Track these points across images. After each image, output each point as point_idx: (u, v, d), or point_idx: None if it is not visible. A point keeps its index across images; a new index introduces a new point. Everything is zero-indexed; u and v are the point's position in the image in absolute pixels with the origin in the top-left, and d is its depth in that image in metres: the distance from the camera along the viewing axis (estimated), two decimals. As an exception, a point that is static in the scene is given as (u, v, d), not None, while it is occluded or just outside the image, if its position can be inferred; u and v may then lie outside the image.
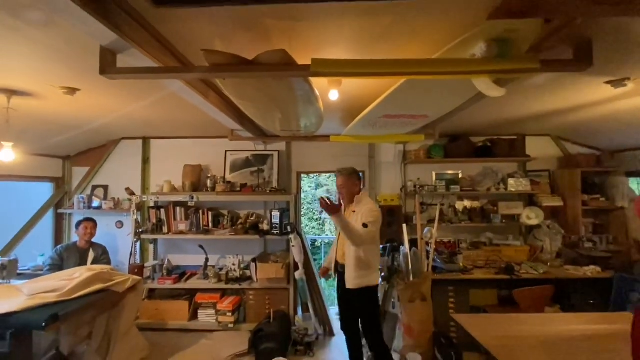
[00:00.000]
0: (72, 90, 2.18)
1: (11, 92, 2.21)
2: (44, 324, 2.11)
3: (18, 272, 3.01)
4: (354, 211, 2.46)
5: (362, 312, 2.50)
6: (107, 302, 2.81)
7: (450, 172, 4.10)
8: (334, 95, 2.06)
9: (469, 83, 1.41)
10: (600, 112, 2.92)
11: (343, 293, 2.54)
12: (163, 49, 1.37)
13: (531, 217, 3.49)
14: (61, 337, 2.77)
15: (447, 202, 4.06)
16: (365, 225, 2.31)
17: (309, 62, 1.31)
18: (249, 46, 1.46)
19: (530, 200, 3.98)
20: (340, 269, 2.56)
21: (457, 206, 4.02)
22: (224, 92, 1.90)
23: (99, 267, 2.81)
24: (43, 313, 2.20)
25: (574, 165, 3.85)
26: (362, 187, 2.61)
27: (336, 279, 2.69)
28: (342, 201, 2.61)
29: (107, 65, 1.38)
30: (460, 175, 4.08)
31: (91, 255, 3.44)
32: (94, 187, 4.16)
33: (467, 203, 4.03)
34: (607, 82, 2.16)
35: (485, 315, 2.67)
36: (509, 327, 2.04)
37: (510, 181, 3.87)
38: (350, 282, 2.41)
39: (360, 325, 2.56)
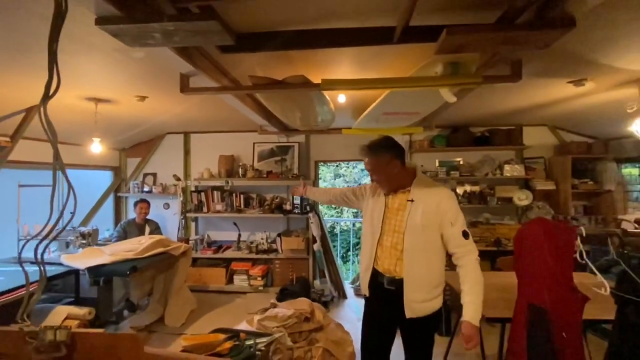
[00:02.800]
0: (143, 98, 2.88)
1: (97, 100, 2.93)
2: (127, 272, 2.86)
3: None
4: (412, 200, 1.57)
5: (422, 344, 1.62)
6: (165, 263, 3.56)
7: (451, 159, 4.57)
8: (342, 98, 2.63)
9: (436, 91, 1.95)
10: (583, 103, 3.31)
11: (390, 325, 1.65)
12: (221, 74, 1.99)
13: (522, 198, 3.93)
14: (130, 290, 3.56)
15: (449, 186, 4.54)
16: (465, 235, 1.50)
17: (320, 81, 1.89)
18: (279, 69, 2.05)
19: (526, 184, 4.40)
20: (387, 285, 1.60)
21: (457, 190, 4.50)
22: (258, 98, 2.51)
23: (158, 236, 3.57)
24: (125, 266, 2.95)
25: (566, 152, 4.23)
26: (404, 160, 1.63)
27: (369, 299, 1.71)
28: (381, 190, 1.69)
29: (185, 86, 2.02)
30: (461, 162, 4.54)
31: (147, 229, 4.22)
32: (145, 175, 4.95)
33: (467, 187, 4.50)
34: (569, 82, 2.60)
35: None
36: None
37: (506, 167, 4.30)
38: (416, 308, 1.54)
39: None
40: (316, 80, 1.94)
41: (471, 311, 1.41)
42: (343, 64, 2.09)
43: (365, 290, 1.69)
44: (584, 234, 1.28)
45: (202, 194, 4.63)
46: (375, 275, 1.63)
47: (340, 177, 10.83)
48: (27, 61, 1.93)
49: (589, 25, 1.61)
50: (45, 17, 1.36)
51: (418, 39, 1.52)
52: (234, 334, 1.78)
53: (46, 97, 0.86)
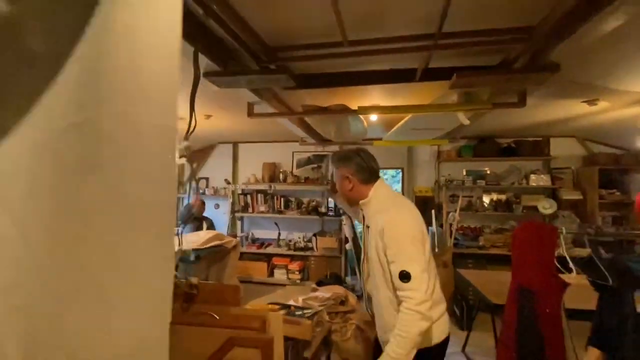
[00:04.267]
0: (208, 116, 3.51)
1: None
2: (193, 259, 3.49)
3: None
4: (368, 227, 1.40)
5: None
6: (219, 255, 4.18)
7: (478, 169, 4.83)
8: (374, 117, 3.08)
9: (454, 114, 2.34)
10: (608, 117, 3.48)
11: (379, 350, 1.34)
12: (279, 103, 2.52)
13: (546, 207, 4.12)
14: (190, 276, 4.21)
15: (475, 195, 4.81)
16: (403, 277, 1.20)
17: (357, 107, 2.36)
18: (323, 98, 2.54)
19: (553, 193, 4.56)
20: (370, 311, 1.56)
21: (484, 198, 4.75)
22: (304, 117, 3.03)
23: (214, 231, 4.20)
24: (190, 254, 3.58)
25: (594, 163, 4.35)
26: (367, 176, 1.40)
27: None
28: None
29: (251, 112, 2.58)
30: (487, 172, 4.79)
31: (205, 225, 4.90)
32: (199, 179, 5.68)
33: (494, 196, 4.74)
34: (583, 102, 2.86)
35: (483, 272, 3.46)
36: (502, 278, 2.87)
37: (532, 177, 4.50)
38: (385, 340, 1.31)
39: None
40: (353, 106, 2.41)
41: (386, 355, 1.18)
42: (375, 93, 2.54)
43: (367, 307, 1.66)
44: (565, 232, 1.62)
45: (248, 196, 5.25)
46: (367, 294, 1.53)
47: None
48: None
49: (591, 59, 1.93)
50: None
51: (435, 78, 1.94)
52: (285, 306, 2.28)
53: (187, 133, 1.41)
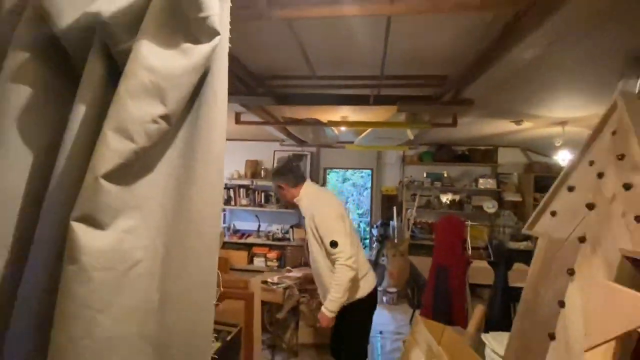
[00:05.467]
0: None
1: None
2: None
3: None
4: (304, 217, 1.91)
5: (349, 330, 1.89)
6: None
7: (437, 172, 5.51)
8: (343, 128, 3.64)
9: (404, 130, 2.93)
10: (537, 133, 4.19)
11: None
12: (264, 112, 3.01)
13: (490, 207, 4.84)
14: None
15: (433, 195, 5.48)
16: (333, 245, 1.71)
17: (327, 121, 2.89)
18: (302, 111, 3.06)
19: (498, 195, 5.30)
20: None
21: (441, 197, 5.44)
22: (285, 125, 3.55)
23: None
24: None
25: (531, 170, 5.11)
26: (295, 181, 1.90)
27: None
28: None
29: (238, 119, 3.06)
30: (445, 175, 5.47)
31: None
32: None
33: (449, 196, 5.43)
34: (511, 121, 3.53)
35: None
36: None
37: (481, 180, 5.22)
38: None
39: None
40: (326, 118, 2.95)
41: (328, 304, 1.70)
42: (344, 108, 3.10)
43: None
44: (470, 224, 2.24)
45: (231, 190, 5.71)
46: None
47: (347, 180, 11.81)
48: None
49: (507, 92, 2.53)
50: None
51: (385, 103, 2.51)
52: (264, 282, 2.81)
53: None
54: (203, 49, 0.77)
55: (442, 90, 2.27)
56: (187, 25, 0.76)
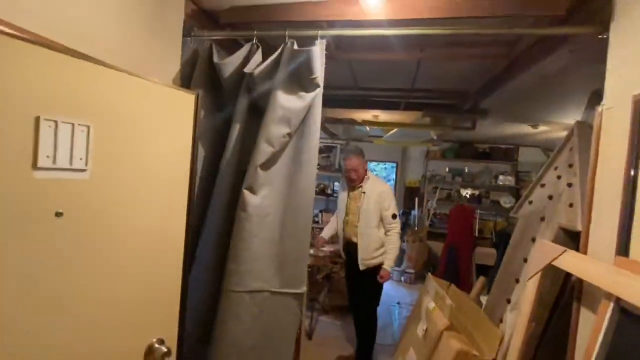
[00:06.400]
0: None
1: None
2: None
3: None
4: (364, 192, 2.33)
5: (373, 290, 2.39)
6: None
7: (458, 167, 5.88)
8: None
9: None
10: (554, 136, 4.49)
11: (355, 274, 2.40)
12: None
13: (506, 201, 5.19)
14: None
15: (454, 188, 5.87)
16: (394, 217, 2.27)
17: (361, 120, 3.40)
18: (338, 111, 3.57)
19: (517, 192, 5.61)
20: (351, 249, 2.39)
21: (461, 191, 5.82)
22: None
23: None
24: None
25: (550, 170, 5.38)
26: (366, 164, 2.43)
27: (345, 259, 2.57)
28: (349, 183, 2.42)
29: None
30: (466, 170, 5.83)
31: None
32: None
33: (469, 190, 5.81)
34: (529, 125, 3.88)
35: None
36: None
37: (501, 177, 5.55)
38: (366, 263, 2.31)
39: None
40: (358, 118, 3.46)
41: (389, 262, 2.27)
42: (375, 109, 3.59)
43: (343, 252, 2.60)
44: (478, 212, 2.70)
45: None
46: (346, 241, 2.46)
47: (372, 172, 12.26)
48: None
49: (524, 100, 2.92)
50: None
51: (413, 109, 2.98)
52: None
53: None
54: (310, 95, 1.33)
55: (463, 101, 2.72)
56: (303, 82, 1.33)
